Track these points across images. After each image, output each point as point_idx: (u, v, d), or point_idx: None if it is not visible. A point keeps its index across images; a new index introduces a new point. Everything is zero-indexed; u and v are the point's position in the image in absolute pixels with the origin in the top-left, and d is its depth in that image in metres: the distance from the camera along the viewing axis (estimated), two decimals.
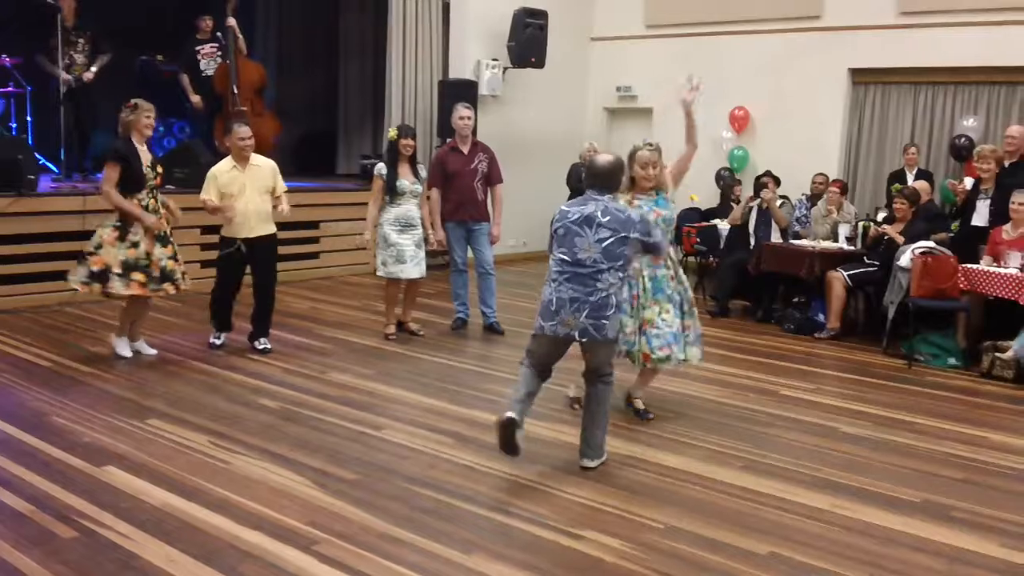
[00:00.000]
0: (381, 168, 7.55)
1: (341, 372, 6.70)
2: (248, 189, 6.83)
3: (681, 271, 5.74)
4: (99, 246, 6.48)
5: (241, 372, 6.59)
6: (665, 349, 5.54)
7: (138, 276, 6.51)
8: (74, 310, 8.21)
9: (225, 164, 6.89)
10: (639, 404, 5.95)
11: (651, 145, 5.61)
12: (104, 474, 4.58)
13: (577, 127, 13.30)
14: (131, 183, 6.50)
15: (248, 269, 7.06)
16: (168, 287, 6.67)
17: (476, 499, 4.48)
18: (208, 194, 6.79)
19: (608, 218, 4.75)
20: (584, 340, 4.78)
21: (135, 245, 6.50)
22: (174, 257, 6.71)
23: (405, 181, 7.53)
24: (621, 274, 4.80)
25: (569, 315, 4.74)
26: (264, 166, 6.99)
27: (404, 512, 4.28)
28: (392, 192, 7.50)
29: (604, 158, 4.99)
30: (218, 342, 7.17)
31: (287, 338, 7.60)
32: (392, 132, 7.67)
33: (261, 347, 7.12)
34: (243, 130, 6.89)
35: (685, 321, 5.65)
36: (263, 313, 7.16)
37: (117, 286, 6.47)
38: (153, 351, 6.94)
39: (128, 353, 6.81)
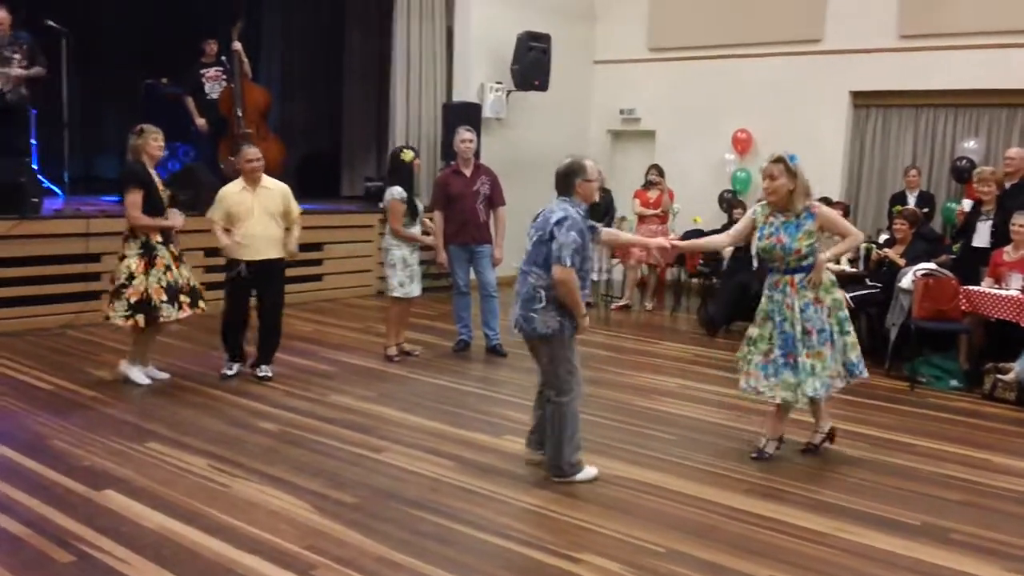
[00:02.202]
0: (401, 192, 7.55)
1: (342, 394, 6.70)
2: (256, 211, 6.78)
3: (807, 307, 5.37)
4: (131, 276, 6.45)
5: (242, 395, 6.59)
6: (753, 375, 5.49)
7: (184, 298, 6.60)
8: (76, 333, 8.22)
9: (235, 185, 6.87)
10: (760, 442, 5.64)
11: (773, 156, 5.41)
12: (103, 498, 4.58)
13: (581, 150, 13.07)
14: (150, 208, 6.50)
15: (254, 293, 7.04)
16: (202, 304, 6.80)
17: (476, 523, 4.47)
18: (215, 215, 6.80)
19: (540, 219, 5.00)
20: (520, 333, 5.05)
21: (169, 268, 6.55)
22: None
23: (419, 203, 7.69)
24: (548, 272, 4.88)
25: (513, 308, 5.07)
26: (275, 189, 6.93)
27: (403, 536, 4.27)
28: (414, 214, 7.60)
29: (564, 161, 5.12)
30: (230, 373, 7.01)
31: (289, 360, 7.60)
32: (409, 154, 7.69)
33: (261, 375, 7.01)
34: (250, 151, 6.86)
35: (799, 353, 5.33)
36: (267, 341, 7.08)
37: (170, 312, 6.52)
38: (165, 375, 6.91)
39: (146, 380, 6.74)
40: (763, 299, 5.53)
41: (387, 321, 8.03)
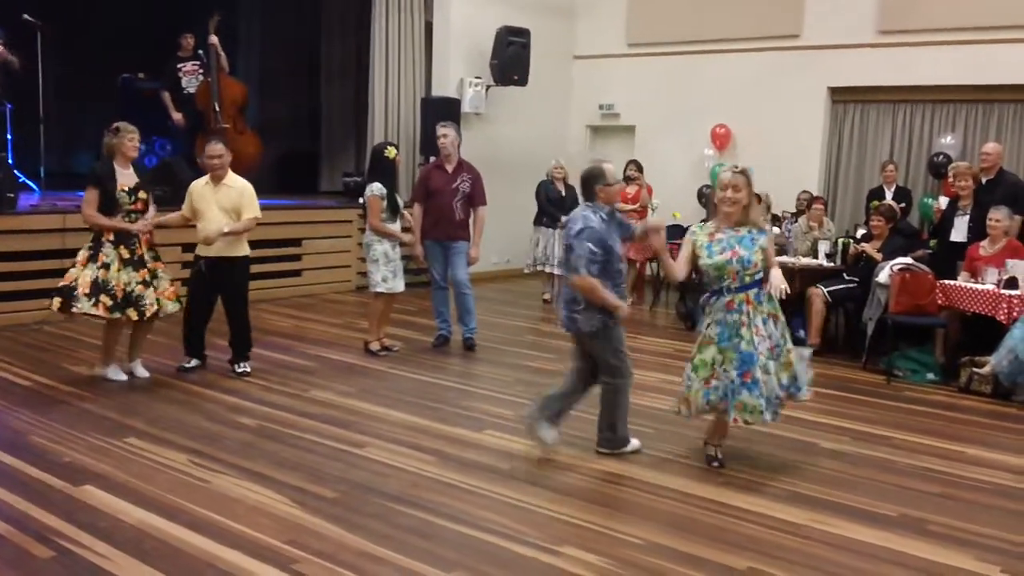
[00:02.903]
0: (381, 189, 7.56)
1: (322, 390, 6.69)
2: (214, 208, 6.74)
3: (766, 322, 5.12)
4: (73, 265, 6.47)
5: (221, 390, 6.57)
6: (723, 403, 5.12)
7: (105, 299, 6.40)
8: (53, 329, 8.17)
9: (201, 180, 6.89)
10: (710, 451, 5.40)
11: (736, 167, 5.13)
12: (83, 493, 4.56)
13: (560, 145, 13.35)
14: (105, 206, 6.46)
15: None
16: (131, 312, 6.49)
17: (457, 517, 4.47)
18: (184, 208, 6.87)
19: (567, 225, 5.29)
20: (567, 330, 5.38)
21: (106, 267, 6.44)
22: (146, 282, 6.55)
23: (400, 200, 7.74)
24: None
25: (558, 308, 5.44)
26: (236, 187, 6.85)
27: (384, 530, 4.27)
28: (395, 210, 7.62)
29: (587, 166, 5.39)
30: (187, 366, 7.02)
31: (268, 356, 7.59)
32: (392, 151, 7.73)
33: (240, 371, 7.01)
34: (211, 148, 6.83)
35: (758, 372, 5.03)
36: (236, 337, 7.04)
37: (84, 305, 6.39)
38: (146, 373, 6.84)
39: (122, 377, 6.70)
40: (709, 325, 5.15)
41: (369, 316, 8.02)
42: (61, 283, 6.44)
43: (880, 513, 4.71)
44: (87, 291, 6.39)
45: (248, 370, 7.03)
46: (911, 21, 10.92)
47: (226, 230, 6.72)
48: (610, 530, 4.37)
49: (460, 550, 4.12)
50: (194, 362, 7.08)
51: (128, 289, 6.49)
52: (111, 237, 6.50)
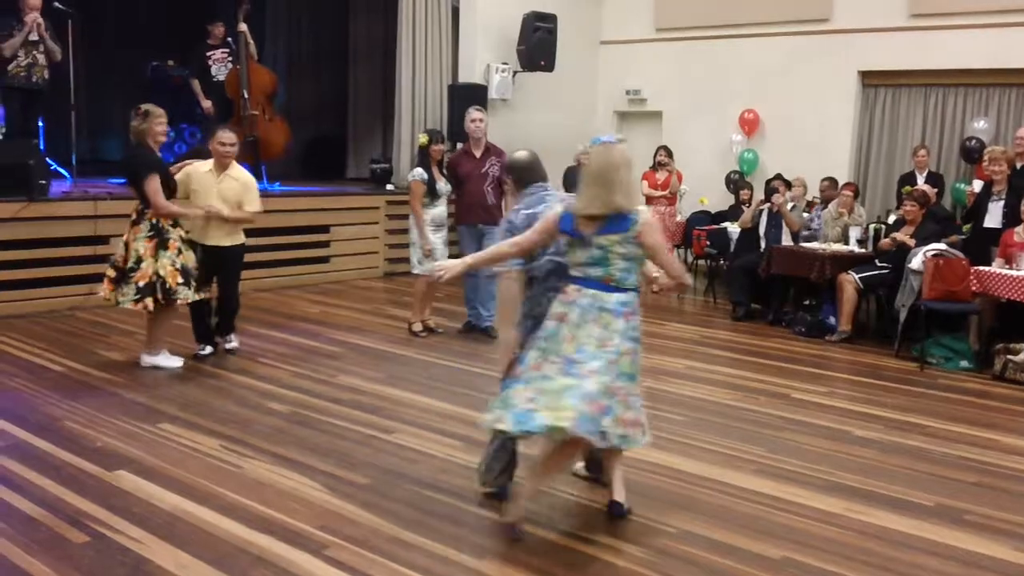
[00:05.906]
0: (421, 173, 7.72)
1: (351, 375, 6.70)
2: (214, 197, 6.66)
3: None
4: (139, 260, 6.34)
5: (251, 376, 6.59)
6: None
7: (195, 282, 6.49)
8: (85, 315, 8.22)
9: (204, 165, 6.79)
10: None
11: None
12: (116, 478, 4.59)
13: (587, 131, 13.18)
14: (166, 192, 6.41)
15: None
16: (208, 291, 6.69)
17: (487, 503, 4.45)
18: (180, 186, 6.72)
19: None
20: None
21: (180, 251, 6.44)
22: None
23: (442, 184, 7.84)
24: None
25: None
26: (239, 179, 6.79)
27: (415, 516, 4.27)
28: (433, 195, 7.75)
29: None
30: (203, 353, 6.98)
31: (297, 342, 7.61)
32: (424, 138, 7.89)
33: (228, 346, 7.08)
34: (226, 135, 6.74)
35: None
36: (223, 315, 7.07)
37: (186, 294, 6.40)
38: (180, 361, 6.83)
39: (178, 362, 6.69)
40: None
41: (413, 296, 8.23)
42: (142, 282, 6.30)
43: (916, 502, 4.65)
44: (180, 280, 6.38)
45: (236, 345, 7.13)
46: (943, 4, 10.75)
47: (227, 214, 6.65)
48: (643, 518, 4.34)
49: (492, 537, 4.11)
50: (208, 348, 7.04)
51: (197, 271, 6.60)
52: (169, 222, 6.46)
